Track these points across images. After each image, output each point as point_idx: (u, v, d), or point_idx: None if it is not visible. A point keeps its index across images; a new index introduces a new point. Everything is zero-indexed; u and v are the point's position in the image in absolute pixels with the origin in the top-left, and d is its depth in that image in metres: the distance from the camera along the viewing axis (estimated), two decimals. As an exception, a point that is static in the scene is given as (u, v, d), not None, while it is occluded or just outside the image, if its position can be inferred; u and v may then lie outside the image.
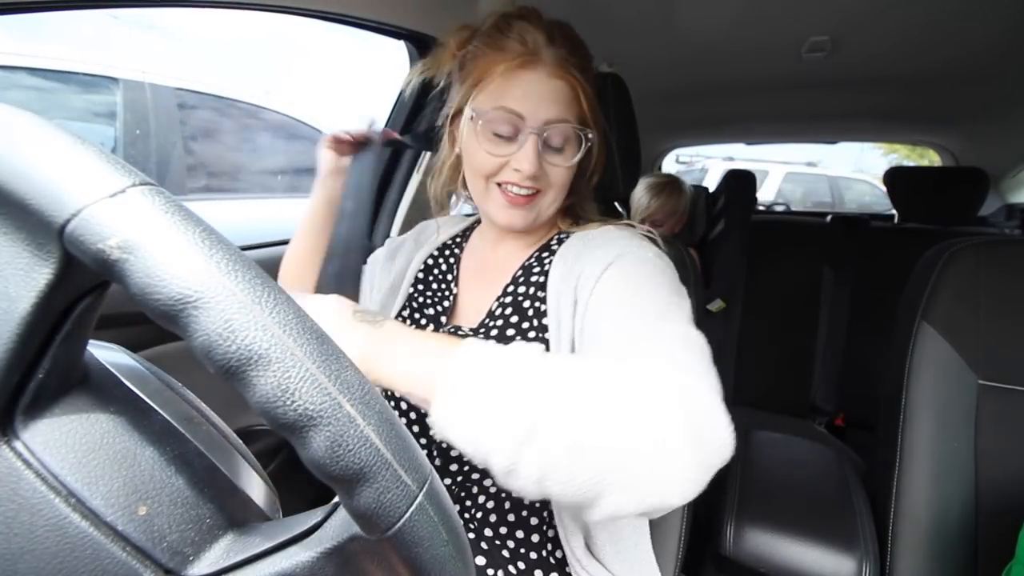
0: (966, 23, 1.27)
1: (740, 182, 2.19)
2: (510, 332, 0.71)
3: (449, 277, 0.82)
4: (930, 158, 2.80)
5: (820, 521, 0.94)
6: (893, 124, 2.42)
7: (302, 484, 0.78)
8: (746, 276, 2.06)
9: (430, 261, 0.85)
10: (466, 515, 0.70)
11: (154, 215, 0.21)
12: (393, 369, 0.49)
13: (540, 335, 0.69)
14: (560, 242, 0.77)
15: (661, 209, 1.95)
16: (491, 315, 0.73)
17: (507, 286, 0.75)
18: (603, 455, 0.43)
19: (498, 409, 0.44)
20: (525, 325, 0.71)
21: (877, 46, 1.45)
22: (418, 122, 1.24)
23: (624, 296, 0.61)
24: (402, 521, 0.23)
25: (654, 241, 0.72)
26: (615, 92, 0.82)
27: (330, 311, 0.55)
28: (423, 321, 0.78)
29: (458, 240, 0.87)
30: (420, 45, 1.20)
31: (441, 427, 0.46)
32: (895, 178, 2.14)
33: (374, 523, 0.23)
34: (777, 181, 6.14)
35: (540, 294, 0.72)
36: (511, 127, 0.68)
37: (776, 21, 1.33)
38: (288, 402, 0.21)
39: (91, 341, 0.27)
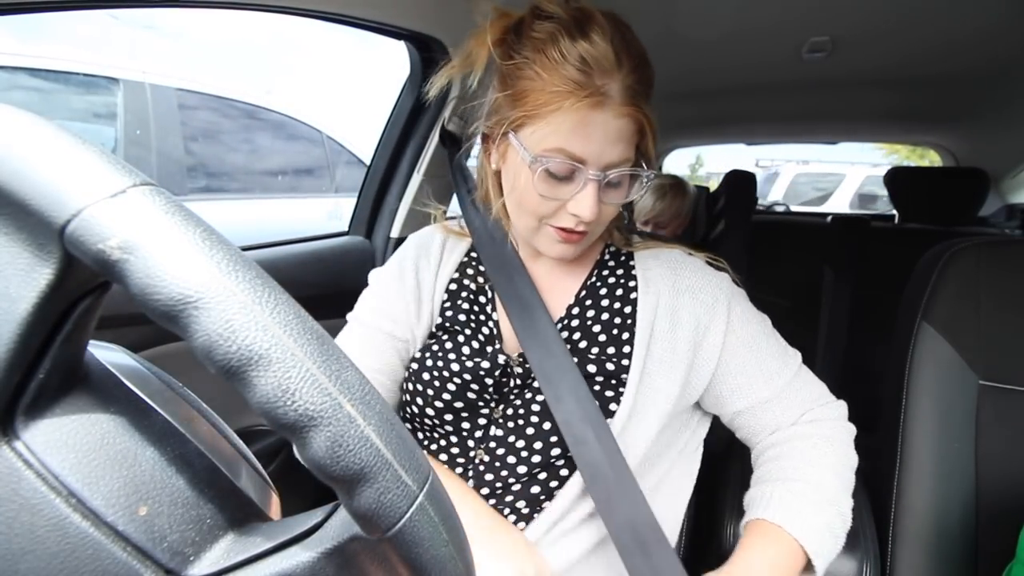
0: (966, 23, 1.27)
1: (740, 182, 2.19)
2: (575, 358, 0.70)
3: (482, 299, 0.77)
4: (930, 158, 2.80)
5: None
6: (894, 124, 2.42)
7: (302, 484, 0.78)
8: (747, 276, 2.06)
9: (453, 287, 0.79)
10: None
11: (155, 215, 0.21)
12: None
13: (617, 361, 0.70)
14: (617, 259, 0.77)
15: (667, 211, 1.95)
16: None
17: (571, 307, 0.74)
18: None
19: (834, 524, 0.68)
20: (595, 350, 0.71)
21: (877, 47, 1.45)
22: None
23: (752, 344, 0.72)
24: (402, 521, 0.23)
25: (719, 267, 0.77)
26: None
27: None
28: (466, 351, 0.73)
29: (475, 256, 0.80)
30: (420, 45, 1.20)
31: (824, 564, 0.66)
32: (896, 178, 2.14)
33: (374, 523, 0.23)
34: (854, 185, 6.02)
35: (615, 320, 0.72)
36: (569, 169, 0.62)
37: (776, 21, 1.33)
38: (288, 402, 0.21)
39: (91, 341, 0.27)
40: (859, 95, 1.92)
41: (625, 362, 0.70)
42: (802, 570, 0.66)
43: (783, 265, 2.11)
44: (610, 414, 0.68)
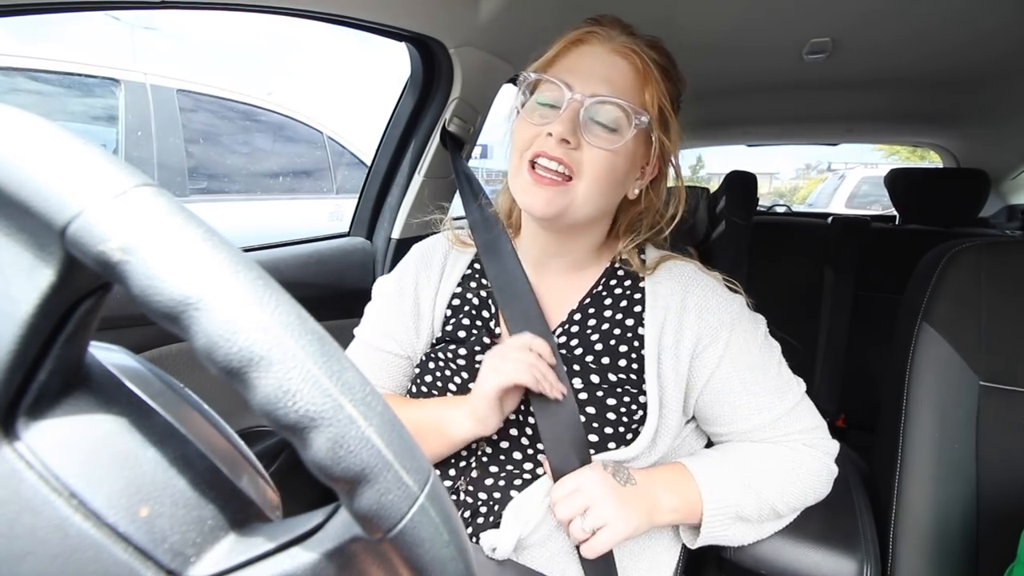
0: (967, 25, 1.27)
1: (741, 183, 2.19)
2: (576, 367, 0.70)
3: (486, 314, 0.77)
4: (931, 159, 2.80)
5: (821, 523, 0.94)
6: (894, 125, 2.42)
7: (304, 485, 0.78)
8: (747, 277, 2.06)
9: (456, 301, 0.79)
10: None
11: (156, 217, 0.21)
12: (665, 510, 0.66)
13: (624, 375, 0.70)
14: (620, 282, 0.75)
15: None
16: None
17: (573, 312, 0.74)
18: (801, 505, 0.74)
19: (746, 510, 0.68)
20: (589, 359, 0.71)
21: (878, 48, 1.45)
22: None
23: (747, 375, 0.70)
24: (403, 522, 0.23)
25: (734, 289, 0.76)
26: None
27: (598, 482, 0.63)
28: (463, 360, 0.74)
29: (478, 268, 0.81)
30: (422, 47, 1.20)
31: (713, 534, 0.68)
32: (896, 179, 2.14)
33: (375, 524, 0.23)
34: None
35: (615, 331, 0.72)
36: (554, 95, 0.65)
37: (777, 23, 1.33)
38: (290, 403, 0.21)
39: (93, 342, 0.27)
40: (859, 96, 1.92)
41: (623, 376, 0.70)
42: (687, 527, 0.70)
43: (784, 266, 2.11)
44: (635, 435, 0.68)
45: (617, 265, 0.76)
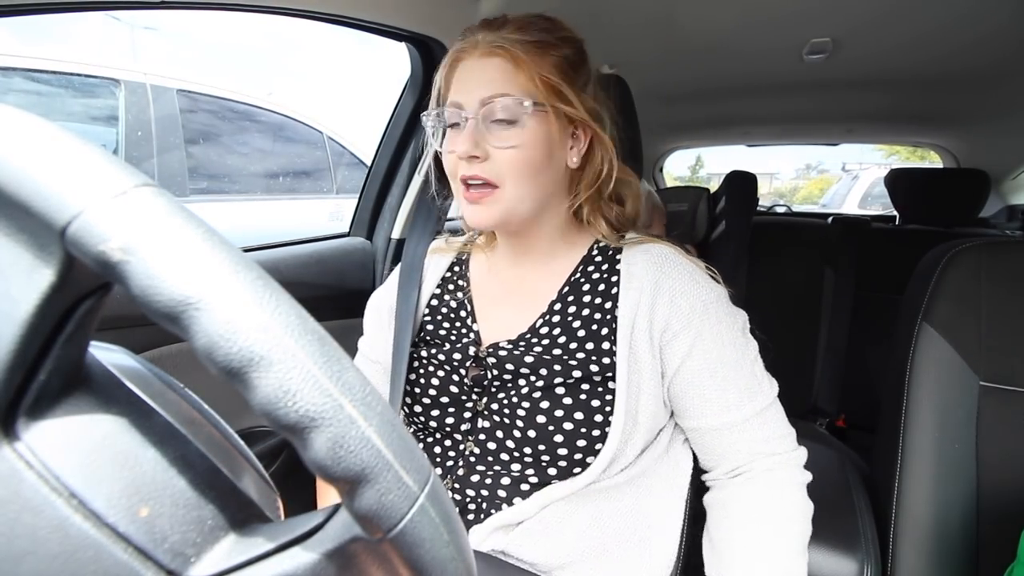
0: (966, 25, 1.27)
1: (741, 183, 2.19)
2: (556, 351, 0.70)
3: (463, 313, 0.79)
4: (931, 159, 2.80)
5: (821, 522, 0.94)
6: (894, 126, 2.42)
7: (304, 485, 0.78)
8: (747, 277, 2.06)
9: (435, 302, 0.82)
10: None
11: (156, 217, 0.21)
12: None
13: (599, 360, 0.69)
14: (605, 254, 0.75)
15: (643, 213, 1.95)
16: (534, 331, 0.73)
17: (553, 303, 0.74)
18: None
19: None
20: (573, 345, 0.70)
21: (878, 48, 1.45)
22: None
23: (717, 369, 0.68)
24: (404, 522, 0.23)
25: (715, 279, 0.74)
26: (618, 93, 0.82)
27: None
28: (444, 355, 0.75)
29: (457, 271, 0.84)
30: (422, 47, 1.20)
31: None
32: (896, 180, 2.14)
33: (375, 524, 0.23)
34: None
35: (595, 316, 0.71)
36: (455, 118, 0.69)
37: (777, 23, 1.33)
38: (290, 403, 0.21)
39: (93, 343, 0.27)
40: (859, 96, 1.92)
41: (607, 360, 0.69)
42: None
43: (783, 266, 2.11)
44: (607, 423, 0.67)
45: (595, 252, 0.77)
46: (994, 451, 0.88)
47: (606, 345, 0.70)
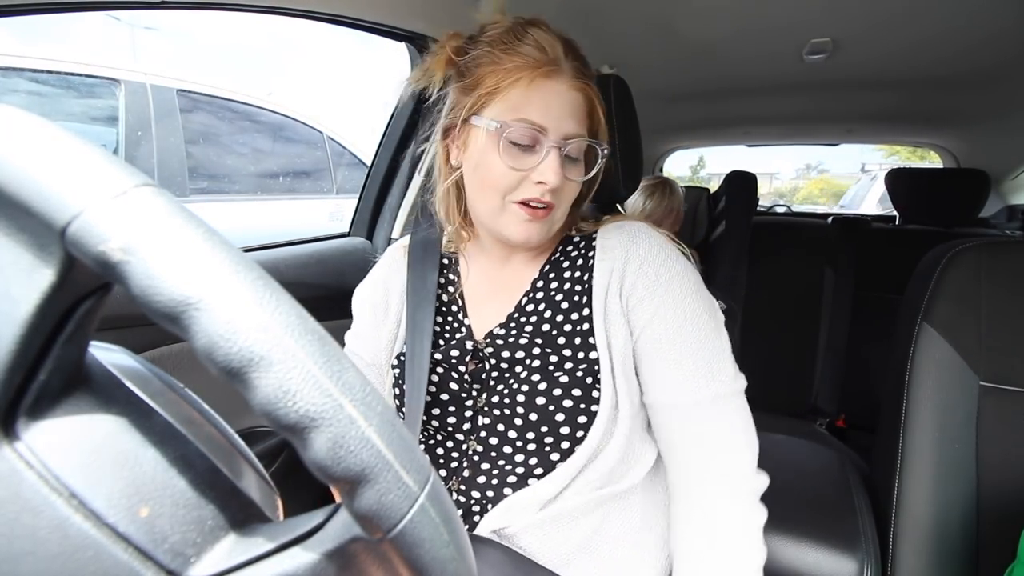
0: (967, 25, 1.27)
1: (741, 183, 2.19)
2: (545, 327, 0.72)
3: (455, 308, 0.80)
4: (931, 159, 2.81)
5: (821, 522, 0.94)
6: (894, 126, 2.42)
7: (304, 485, 0.78)
8: (747, 277, 2.06)
9: None
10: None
11: (156, 217, 0.21)
12: None
13: (580, 329, 0.70)
14: (576, 246, 0.77)
15: (658, 209, 1.96)
16: (520, 308, 0.75)
17: (536, 281, 0.76)
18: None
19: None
20: (559, 318, 0.72)
21: (878, 48, 1.45)
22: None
23: (675, 343, 0.68)
24: (404, 522, 0.23)
25: (688, 256, 0.75)
26: (617, 93, 0.82)
27: None
28: (445, 360, 0.75)
29: (447, 264, 0.84)
30: (421, 47, 1.20)
31: None
32: (896, 179, 2.14)
33: (375, 524, 0.23)
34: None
35: (576, 288, 0.73)
36: (531, 139, 0.66)
37: (777, 23, 1.33)
38: (290, 403, 0.21)
39: (93, 343, 0.27)
40: (860, 96, 1.92)
41: (587, 326, 0.70)
42: None
43: (783, 266, 2.11)
44: (594, 401, 0.67)
45: (573, 233, 0.79)
46: (994, 451, 0.88)
47: (586, 312, 0.71)
